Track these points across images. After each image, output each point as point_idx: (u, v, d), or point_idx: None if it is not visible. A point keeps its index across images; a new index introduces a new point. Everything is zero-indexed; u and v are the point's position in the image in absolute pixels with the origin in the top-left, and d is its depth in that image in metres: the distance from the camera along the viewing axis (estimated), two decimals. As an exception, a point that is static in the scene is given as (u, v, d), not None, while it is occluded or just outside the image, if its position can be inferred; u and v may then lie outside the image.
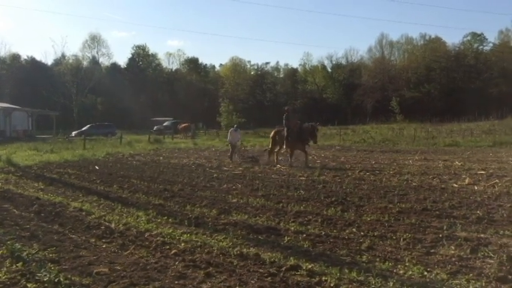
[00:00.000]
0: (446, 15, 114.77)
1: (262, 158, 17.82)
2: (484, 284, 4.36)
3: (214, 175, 13.21)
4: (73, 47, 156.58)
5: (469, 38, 75.82)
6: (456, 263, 4.96)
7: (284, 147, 16.59)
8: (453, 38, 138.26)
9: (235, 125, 20.62)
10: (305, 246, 5.73)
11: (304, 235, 6.19)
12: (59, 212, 7.83)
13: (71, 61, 70.25)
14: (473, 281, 4.43)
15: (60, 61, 72.57)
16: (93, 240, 6.11)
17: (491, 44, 75.33)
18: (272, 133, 17.55)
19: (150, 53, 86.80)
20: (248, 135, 44.50)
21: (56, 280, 4.49)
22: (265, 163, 16.52)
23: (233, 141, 18.65)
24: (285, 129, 16.31)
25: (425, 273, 4.67)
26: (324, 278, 4.51)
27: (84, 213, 7.83)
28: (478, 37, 75.19)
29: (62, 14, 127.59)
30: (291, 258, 5.17)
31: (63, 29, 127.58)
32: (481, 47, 76.12)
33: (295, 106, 16.43)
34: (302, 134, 15.96)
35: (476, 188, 10.09)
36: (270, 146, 17.47)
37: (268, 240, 6.03)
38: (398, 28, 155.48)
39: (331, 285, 4.36)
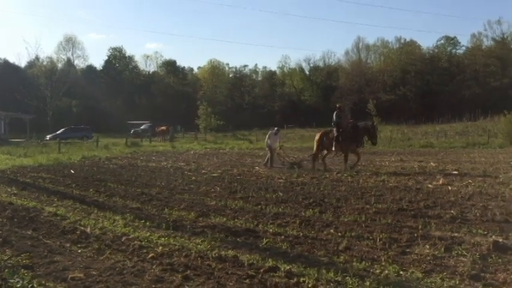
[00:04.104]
0: (420, 19, 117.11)
1: (306, 164, 15.62)
2: (457, 282, 4.45)
3: (193, 178, 13.14)
4: (47, 49, 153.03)
5: (442, 41, 77.61)
6: (431, 261, 5.06)
7: (333, 149, 14.68)
8: (427, 41, 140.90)
9: (275, 128, 17.22)
10: (283, 247, 5.75)
11: (283, 237, 6.21)
12: (32, 217, 7.66)
13: (45, 63, 68.77)
14: (447, 279, 4.52)
15: (34, 63, 70.90)
16: (68, 245, 6.00)
17: (464, 48, 77.25)
18: (318, 135, 15.37)
19: (126, 55, 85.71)
20: (227, 137, 44.50)
21: (29, 286, 4.41)
22: (310, 170, 14.53)
23: (273, 146, 16.35)
24: (335, 129, 14.48)
25: (401, 272, 4.75)
26: (302, 279, 4.54)
27: (59, 217, 7.68)
28: (451, 41, 77.01)
29: (37, 16, 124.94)
30: (270, 259, 5.18)
31: (39, 32, 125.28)
32: (454, 50, 77.96)
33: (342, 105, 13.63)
34: (357, 134, 14.27)
35: (450, 188, 10.29)
36: (314, 151, 15.27)
37: (246, 243, 6.03)
38: (374, 31, 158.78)
39: (309, 286, 4.39)
